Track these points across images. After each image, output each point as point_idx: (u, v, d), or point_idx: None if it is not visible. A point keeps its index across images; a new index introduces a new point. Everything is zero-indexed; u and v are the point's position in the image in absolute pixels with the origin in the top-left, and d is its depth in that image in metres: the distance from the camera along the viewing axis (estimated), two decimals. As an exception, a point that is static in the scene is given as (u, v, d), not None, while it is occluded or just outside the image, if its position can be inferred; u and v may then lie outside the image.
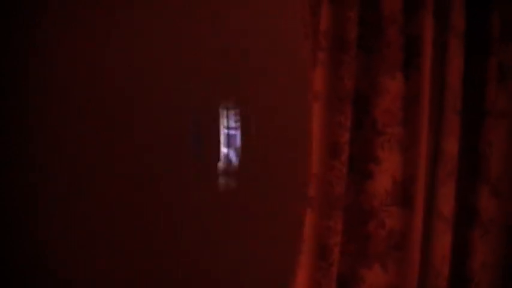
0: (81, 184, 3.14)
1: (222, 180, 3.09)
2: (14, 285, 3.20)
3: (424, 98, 1.96)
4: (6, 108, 3.17)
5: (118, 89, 3.07)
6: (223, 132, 3.05)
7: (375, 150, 1.97)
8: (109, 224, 3.14)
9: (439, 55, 1.99)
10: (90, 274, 3.14)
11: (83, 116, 3.12)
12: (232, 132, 3.04)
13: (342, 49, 1.95)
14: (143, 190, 3.11)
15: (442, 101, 1.98)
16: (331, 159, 1.95)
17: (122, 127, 3.10)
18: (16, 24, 3.13)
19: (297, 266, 1.96)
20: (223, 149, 3.06)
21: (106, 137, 3.11)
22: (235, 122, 3.04)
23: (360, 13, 1.95)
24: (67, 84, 3.13)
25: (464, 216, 2.00)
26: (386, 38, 1.97)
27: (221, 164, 3.06)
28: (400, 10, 1.95)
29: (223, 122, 3.06)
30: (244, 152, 3.04)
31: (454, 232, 1.99)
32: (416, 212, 1.98)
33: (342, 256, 1.97)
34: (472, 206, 2.00)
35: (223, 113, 3.05)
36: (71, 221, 3.16)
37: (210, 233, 3.06)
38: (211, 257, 3.04)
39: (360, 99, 1.98)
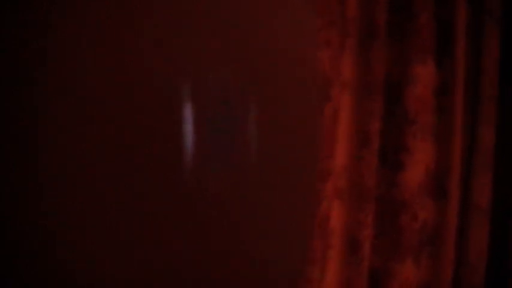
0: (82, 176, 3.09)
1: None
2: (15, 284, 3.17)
3: (458, 85, 1.89)
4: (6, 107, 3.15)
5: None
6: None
7: (407, 139, 1.89)
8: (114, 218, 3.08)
9: (473, 40, 1.91)
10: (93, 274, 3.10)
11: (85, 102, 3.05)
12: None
13: (371, 35, 1.89)
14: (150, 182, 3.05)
15: (478, 88, 1.90)
16: (361, 149, 1.88)
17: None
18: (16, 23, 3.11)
19: (324, 261, 1.89)
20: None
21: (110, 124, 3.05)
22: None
23: (389, -3, 1.88)
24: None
25: (503, 209, 1.92)
26: (417, 23, 1.90)
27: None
28: (432, -6, 1.88)
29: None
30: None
31: (491, 226, 1.90)
32: (451, 204, 1.89)
33: (373, 250, 1.89)
34: (511, 197, 1.90)
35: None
36: (71, 220, 3.11)
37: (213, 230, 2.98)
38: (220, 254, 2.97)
39: (390, 86, 1.91)
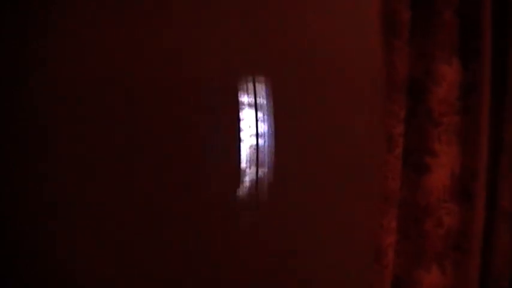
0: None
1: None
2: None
3: (484, 85, 1.83)
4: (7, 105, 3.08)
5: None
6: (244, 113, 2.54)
7: (431, 142, 1.84)
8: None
9: (498, 39, 1.85)
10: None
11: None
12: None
13: (394, 33, 1.83)
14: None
15: (504, 87, 1.84)
16: (385, 152, 1.82)
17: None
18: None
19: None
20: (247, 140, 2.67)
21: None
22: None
23: (413, -6, 1.82)
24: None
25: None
26: (441, 20, 1.84)
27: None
28: (457, -11, 1.82)
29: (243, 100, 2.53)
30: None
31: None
32: (477, 209, 1.84)
33: (397, 257, 1.84)
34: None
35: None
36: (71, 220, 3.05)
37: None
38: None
39: (414, 87, 1.85)
